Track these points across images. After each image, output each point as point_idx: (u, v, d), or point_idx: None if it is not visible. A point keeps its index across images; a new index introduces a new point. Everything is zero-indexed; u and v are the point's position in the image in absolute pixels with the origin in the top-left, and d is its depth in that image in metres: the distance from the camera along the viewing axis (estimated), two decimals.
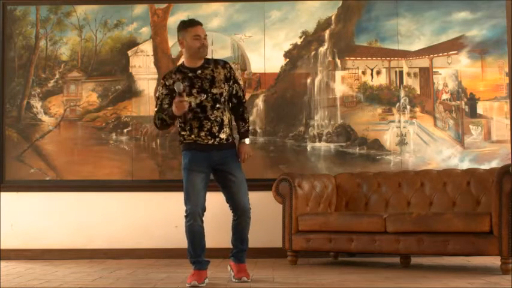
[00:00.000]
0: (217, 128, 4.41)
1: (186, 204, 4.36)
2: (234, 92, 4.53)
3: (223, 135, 4.43)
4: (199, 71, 4.44)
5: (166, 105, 4.42)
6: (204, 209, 4.37)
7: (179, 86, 4.25)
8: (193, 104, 4.37)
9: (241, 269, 4.50)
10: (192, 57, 4.45)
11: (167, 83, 4.45)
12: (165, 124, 4.45)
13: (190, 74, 4.43)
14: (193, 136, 4.40)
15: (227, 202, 4.51)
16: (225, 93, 4.45)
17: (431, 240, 4.89)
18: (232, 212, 4.50)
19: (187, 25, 4.44)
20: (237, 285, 4.35)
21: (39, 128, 6.34)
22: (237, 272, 4.49)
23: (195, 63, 4.46)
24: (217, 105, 4.41)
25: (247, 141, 4.57)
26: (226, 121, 4.46)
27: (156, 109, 4.50)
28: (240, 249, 4.53)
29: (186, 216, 4.36)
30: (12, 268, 5.46)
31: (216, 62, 4.54)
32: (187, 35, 4.40)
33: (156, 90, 6.27)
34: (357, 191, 5.84)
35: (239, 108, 4.58)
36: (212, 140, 4.40)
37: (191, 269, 4.44)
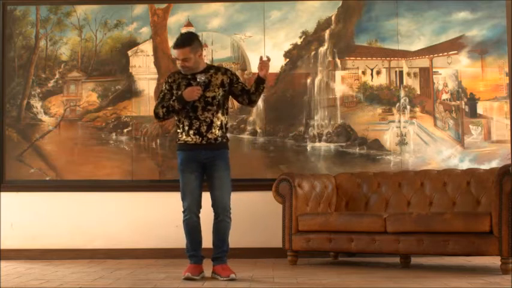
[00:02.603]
0: (205, 127, 4.61)
1: (182, 201, 4.64)
2: (240, 88, 4.70)
3: (210, 136, 4.62)
4: (197, 75, 4.64)
5: (167, 100, 4.68)
6: (199, 206, 4.62)
7: (201, 77, 4.60)
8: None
9: (225, 268, 4.59)
10: None
11: (169, 80, 4.73)
12: (170, 112, 4.64)
13: (189, 76, 4.67)
14: (184, 135, 4.65)
15: (210, 199, 4.64)
16: (218, 97, 4.64)
17: (431, 240, 4.89)
18: (214, 211, 4.63)
19: (173, 44, 4.73)
20: (237, 285, 4.35)
21: (39, 128, 6.34)
22: (223, 271, 4.57)
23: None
24: (208, 107, 4.62)
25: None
26: (217, 123, 4.64)
27: (158, 102, 4.75)
28: (221, 251, 4.65)
29: (183, 212, 4.63)
30: (12, 268, 5.46)
31: (218, 68, 4.77)
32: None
33: (156, 90, 6.30)
34: (357, 191, 5.83)
35: (249, 91, 4.70)
36: (200, 139, 4.61)
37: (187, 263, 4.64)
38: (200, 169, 4.63)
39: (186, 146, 4.64)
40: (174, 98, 4.63)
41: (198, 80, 4.59)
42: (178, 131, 4.70)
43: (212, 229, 4.64)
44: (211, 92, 4.62)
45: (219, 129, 4.64)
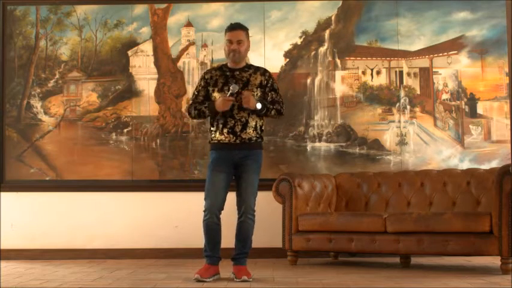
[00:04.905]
0: (240, 127, 4.59)
1: (205, 200, 4.58)
2: (269, 99, 4.68)
3: (245, 136, 4.60)
4: (237, 72, 4.65)
5: (201, 98, 4.68)
6: (221, 208, 4.58)
7: (235, 87, 4.52)
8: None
9: (241, 270, 4.56)
10: (227, 60, 4.70)
11: (206, 76, 4.72)
12: (201, 116, 4.67)
13: (228, 73, 4.66)
14: (218, 133, 4.62)
15: (236, 198, 4.64)
16: (255, 98, 4.59)
17: (431, 240, 4.89)
18: (238, 210, 4.62)
19: (226, 29, 4.68)
20: (237, 285, 4.35)
21: (39, 128, 6.34)
22: (238, 272, 4.55)
23: (235, 65, 4.67)
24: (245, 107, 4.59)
25: (259, 105, 4.54)
26: (252, 123, 4.62)
27: (192, 99, 4.74)
28: (241, 252, 4.62)
29: (203, 211, 4.58)
30: (12, 268, 5.46)
31: (257, 68, 4.75)
32: (225, 38, 4.67)
33: (156, 90, 6.30)
34: (357, 191, 5.83)
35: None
36: (234, 139, 4.59)
37: (198, 265, 4.67)
38: (231, 169, 4.60)
39: (220, 145, 4.61)
40: (206, 104, 4.60)
41: (231, 91, 4.51)
42: (212, 129, 4.66)
43: (236, 229, 4.62)
44: (249, 92, 4.59)
45: (253, 130, 4.62)
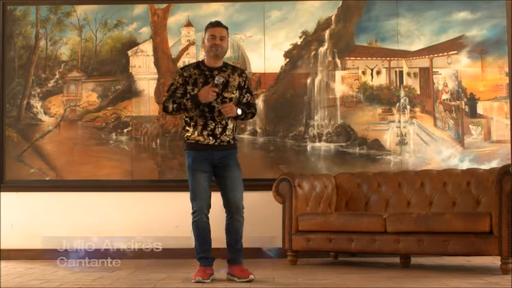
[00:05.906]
0: (220, 130, 4.57)
1: (192, 201, 4.54)
2: (244, 100, 4.71)
3: (224, 138, 4.59)
4: (215, 72, 4.59)
5: (179, 94, 4.61)
6: (209, 206, 4.55)
7: (220, 79, 4.50)
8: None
9: (243, 270, 4.54)
10: (207, 55, 4.64)
11: (185, 74, 4.63)
12: (180, 109, 4.57)
13: (207, 73, 4.61)
14: (196, 134, 4.56)
15: (222, 198, 4.60)
16: (234, 99, 4.61)
17: (431, 240, 4.89)
18: (226, 210, 4.59)
19: (208, 25, 4.66)
20: (236, 285, 4.35)
21: (39, 128, 6.34)
22: (240, 272, 4.52)
23: (214, 62, 4.63)
24: None
25: (239, 111, 4.58)
26: (230, 126, 4.62)
27: (167, 94, 4.65)
28: (235, 250, 4.59)
29: (193, 213, 4.54)
30: (12, 268, 5.46)
31: (234, 68, 4.73)
32: (206, 34, 4.62)
33: (156, 90, 6.30)
34: (357, 191, 5.83)
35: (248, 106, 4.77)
36: (213, 141, 4.56)
37: (197, 266, 4.60)
38: (210, 169, 4.58)
39: (198, 145, 4.57)
40: (188, 96, 4.54)
41: (216, 81, 4.49)
42: (188, 129, 4.60)
43: (225, 229, 4.59)
44: (230, 94, 4.60)
45: (231, 132, 4.63)
